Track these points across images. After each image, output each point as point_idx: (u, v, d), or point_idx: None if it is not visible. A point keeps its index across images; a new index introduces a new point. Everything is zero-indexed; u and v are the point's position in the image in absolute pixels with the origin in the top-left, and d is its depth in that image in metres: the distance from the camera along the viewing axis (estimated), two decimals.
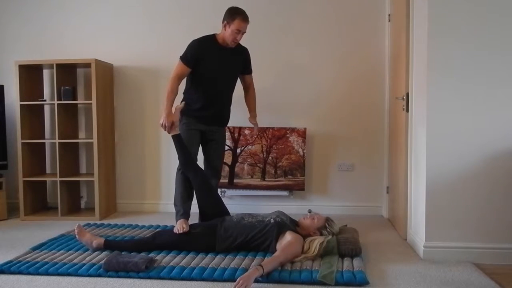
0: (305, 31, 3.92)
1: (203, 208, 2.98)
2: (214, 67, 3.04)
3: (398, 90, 3.32)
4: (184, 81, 3.16)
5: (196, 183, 2.99)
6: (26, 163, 3.86)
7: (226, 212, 2.96)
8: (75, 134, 4.12)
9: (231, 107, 3.28)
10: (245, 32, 3.03)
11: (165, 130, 2.99)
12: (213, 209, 2.94)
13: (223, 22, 3.02)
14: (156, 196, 4.14)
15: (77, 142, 4.12)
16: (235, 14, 2.97)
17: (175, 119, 3.01)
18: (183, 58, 3.03)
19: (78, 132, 4.17)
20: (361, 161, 3.93)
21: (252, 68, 3.30)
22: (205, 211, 2.97)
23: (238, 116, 3.65)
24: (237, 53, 3.15)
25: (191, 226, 2.86)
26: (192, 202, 3.10)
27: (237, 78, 3.23)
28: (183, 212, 2.99)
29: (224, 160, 3.67)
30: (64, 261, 2.59)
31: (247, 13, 3.02)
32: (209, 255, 2.66)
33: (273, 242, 2.63)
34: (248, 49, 3.24)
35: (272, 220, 2.69)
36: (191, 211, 3.08)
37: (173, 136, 3.02)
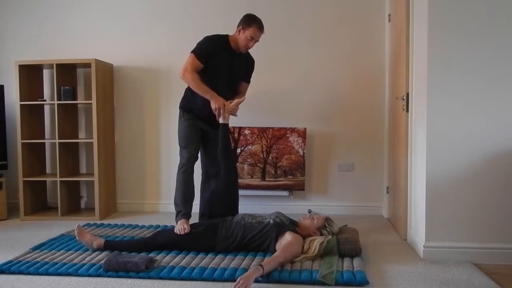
0: (305, 31, 3.93)
1: (217, 202, 2.97)
2: (222, 68, 3.03)
3: (398, 90, 3.32)
4: None
5: (226, 176, 3.00)
6: (26, 163, 3.86)
7: (236, 213, 2.96)
8: (75, 134, 4.12)
9: None
10: (257, 41, 3.04)
11: (218, 112, 2.93)
12: (226, 209, 2.93)
13: (238, 26, 3.01)
14: (156, 196, 4.14)
15: (77, 142, 4.12)
16: (252, 21, 2.97)
17: (225, 102, 2.96)
18: (198, 53, 2.97)
19: (78, 132, 4.17)
20: (361, 161, 3.92)
21: (253, 69, 3.27)
22: (215, 207, 2.95)
23: (238, 116, 3.64)
24: (245, 60, 3.16)
25: (192, 225, 2.86)
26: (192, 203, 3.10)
27: (238, 84, 3.21)
28: (185, 212, 2.97)
29: None
30: (64, 261, 2.59)
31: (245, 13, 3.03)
32: (209, 255, 2.66)
33: (272, 243, 2.63)
34: (249, 50, 3.23)
35: (271, 221, 2.69)
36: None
37: (222, 124, 3.02)
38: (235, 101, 3.00)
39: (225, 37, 3.06)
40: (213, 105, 2.94)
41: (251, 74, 3.26)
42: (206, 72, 3.02)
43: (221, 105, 2.93)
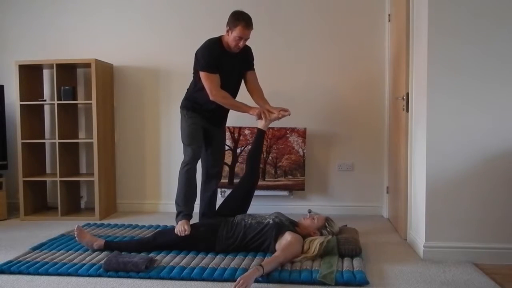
0: (305, 31, 3.92)
1: (230, 202, 2.99)
2: (224, 73, 2.99)
3: (398, 90, 3.32)
4: (188, 80, 3.15)
5: (249, 176, 3.06)
6: (26, 163, 3.86)
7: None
8: (75, 134, 4.12)
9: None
10: (248, 38, 2.95)
11: (259, 116, 3.02)
12: (238, 208, 2.94)
13: (226, 26, 2.93)
14: (156, 196, 4.14)
15: (77, 142, 4.12)
16: (237, 21, 2.86)
17: (266, 110, 3.05)
18: (208, 68, 2.92)
19: (78, 132, 4.17)
20: (361, 161, 3.92)
21: (253, 55, 3.20)
22: (225, 207, 2.98)
23: (238, 116, 3.64)
24: (242, 55, 3.07)
25: (192, 226, 2.86)
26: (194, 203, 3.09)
27: (242, 79, 3.18)
28: (186, 213, 2.95)
29: (224, 160, 3.67)
30: (64, 261, 2.59)
31: (247, 14, 2.94)
32: (209, 255, 2.66)
33: (272, 243, 2.63)
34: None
35: (270, 221, 2.69)
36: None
37: (259, 130, 3.10)
38: (281, 113, 3.03)
39: (219, 40, 3.00)
40: (253, 113, 3.01)
41: (253, 61, 3.19)
42: None
43: (260, 110, 3.02)
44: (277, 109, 3.07)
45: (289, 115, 3.08)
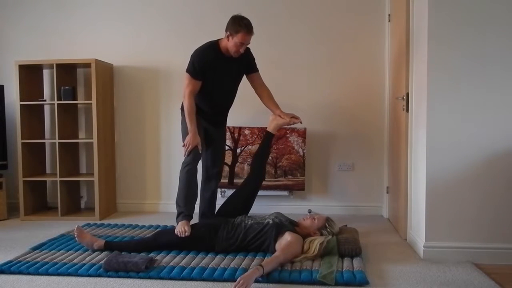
0: (305, 30, 3.92)
1: (232, 203, 3.01)
2: (219, 77, 2.99)
3: (398, 90, 3.32)
4: None
5: (254, 178, 3.10)
6: (26, 163, 3.86)
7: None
8: (75, 134, 4.12)
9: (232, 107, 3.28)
10: (249, 43, 2.93)
11: (186, 150, 2.95)
12: (238, 210, 2.95)
13: (226, 31, 2.89)
14: (156, 196, 4.14)
15: (77, 142, 4.12)
16: (238, 27, 2.82)
17: (279, 112, 3.07)
18: (192, 72, 2.92)
19: (78, 132, 4.17)
20: (361, 161, 3.92)
21: (253, 56, 3.18)
22: (227, 207, 2.99)
23: (238, 116, 3.64)
24: (240, 58, 3.03)
25: (193, 226, 2.86)
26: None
27: (241, 80, 3.17)
28: (186, 214, 2.94)
29: (224, 160, 3.67)
30: (64, 261, 2.59)
31: (245, 14, 2.93)
32: (209, 255, 2.66)
33: (271, 243, 2.63)
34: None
35: (270, 221, 2.69)
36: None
37: (268, 133, 3.14)
38: (292, 120, 3.06)
39: (215, 45, 2.96)
40: (187, 139, 2.95)
41: (255, 62, 3.16)
42: (206, 85, 2.98)
43: (194, 145, 2.94)
44: (289, 115, 3.10)
45: (301, 123, 3.12)
